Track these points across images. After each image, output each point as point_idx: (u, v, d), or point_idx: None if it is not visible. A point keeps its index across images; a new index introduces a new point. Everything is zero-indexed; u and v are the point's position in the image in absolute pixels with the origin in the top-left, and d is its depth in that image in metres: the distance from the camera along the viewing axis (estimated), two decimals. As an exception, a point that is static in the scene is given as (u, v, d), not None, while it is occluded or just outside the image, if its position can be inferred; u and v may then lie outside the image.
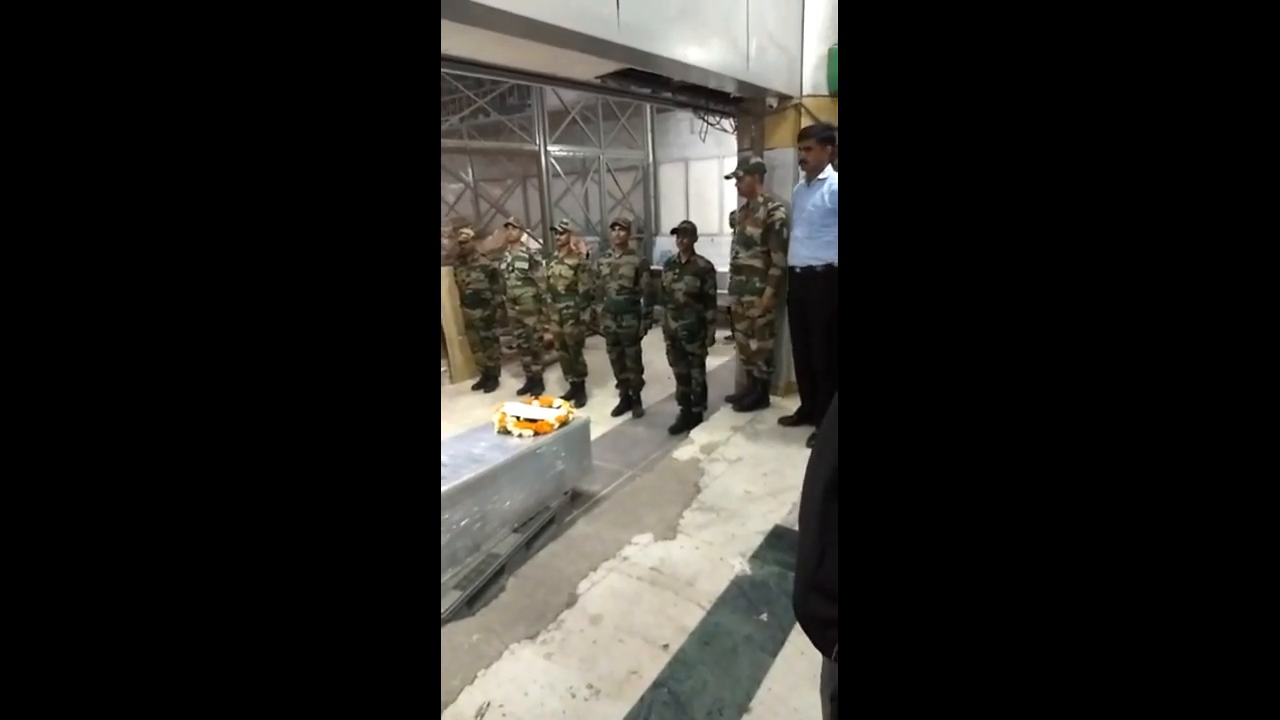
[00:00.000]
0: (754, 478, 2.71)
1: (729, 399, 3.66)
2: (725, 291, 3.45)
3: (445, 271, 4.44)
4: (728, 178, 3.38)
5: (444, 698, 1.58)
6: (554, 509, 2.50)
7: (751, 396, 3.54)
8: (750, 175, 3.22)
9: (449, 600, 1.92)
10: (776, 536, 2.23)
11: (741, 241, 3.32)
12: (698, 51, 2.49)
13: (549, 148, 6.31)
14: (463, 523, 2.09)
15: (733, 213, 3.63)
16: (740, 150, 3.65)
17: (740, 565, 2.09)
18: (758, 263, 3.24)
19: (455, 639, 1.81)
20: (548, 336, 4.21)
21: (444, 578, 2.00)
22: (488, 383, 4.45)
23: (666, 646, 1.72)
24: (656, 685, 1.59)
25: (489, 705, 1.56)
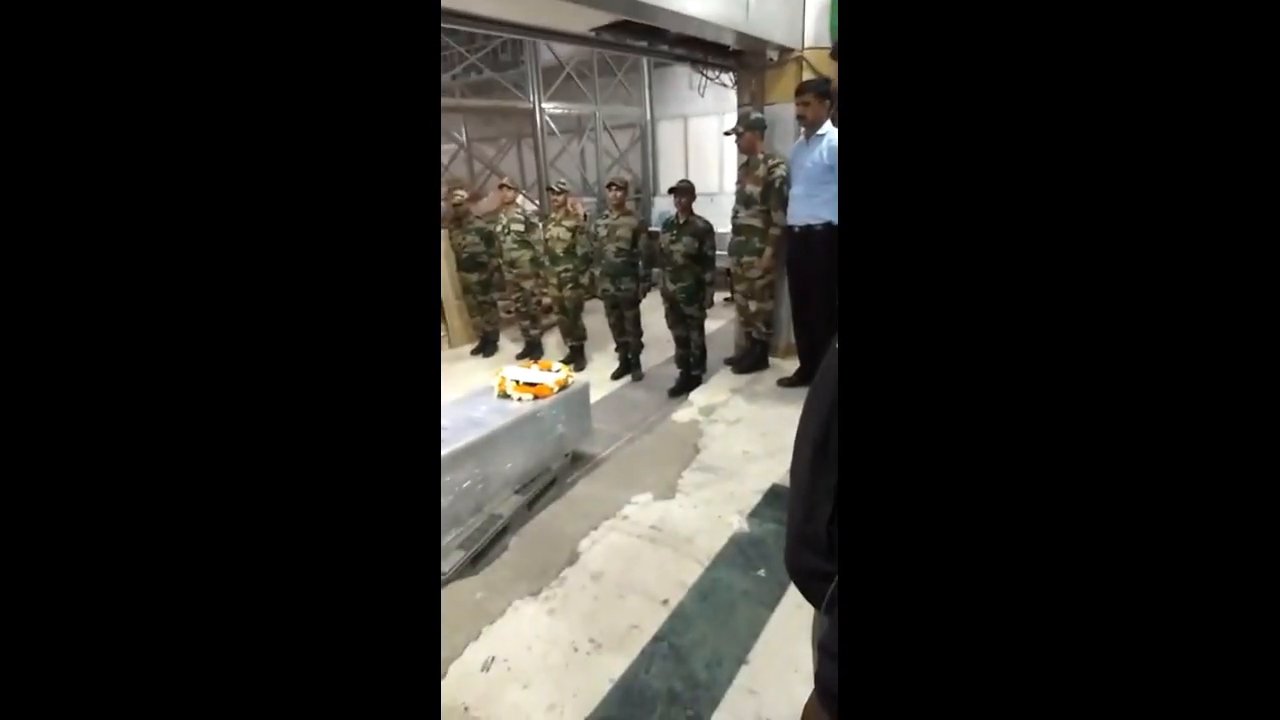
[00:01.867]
0: (753, 438, 2.73)
1: (728, 361, 3.66)
2: (725, 253, 3.41)
3: (441, 235, 4.38)
4: (727, 134, 3.29)
5: (450, 653, 1.63)
6: (555, 471, 2.54)
7: (750, 358, 3.54)
8: (750, 131, 3.13)
9: (453, 560, 1.96)
10: (774, 495, 2.26)
11: (742, 200, 3.26)
12: (696, 2, 2.39)
13: (544, 105, 6.14)
14: (465, 485, 2.12)
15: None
16: (740, 106, 3.54)
17: (738, 523, 2.13)
18: (758, 222, 3.19)
19: (460, 596, 1.86)
20: (546, 300, 4.19)
21: (447, 538, 2.04)
22: (486, 347, 4.45)
23: (666, 602, 1.77)
24: (657, 639, 1.64)
25: (493, 659, 1.61)
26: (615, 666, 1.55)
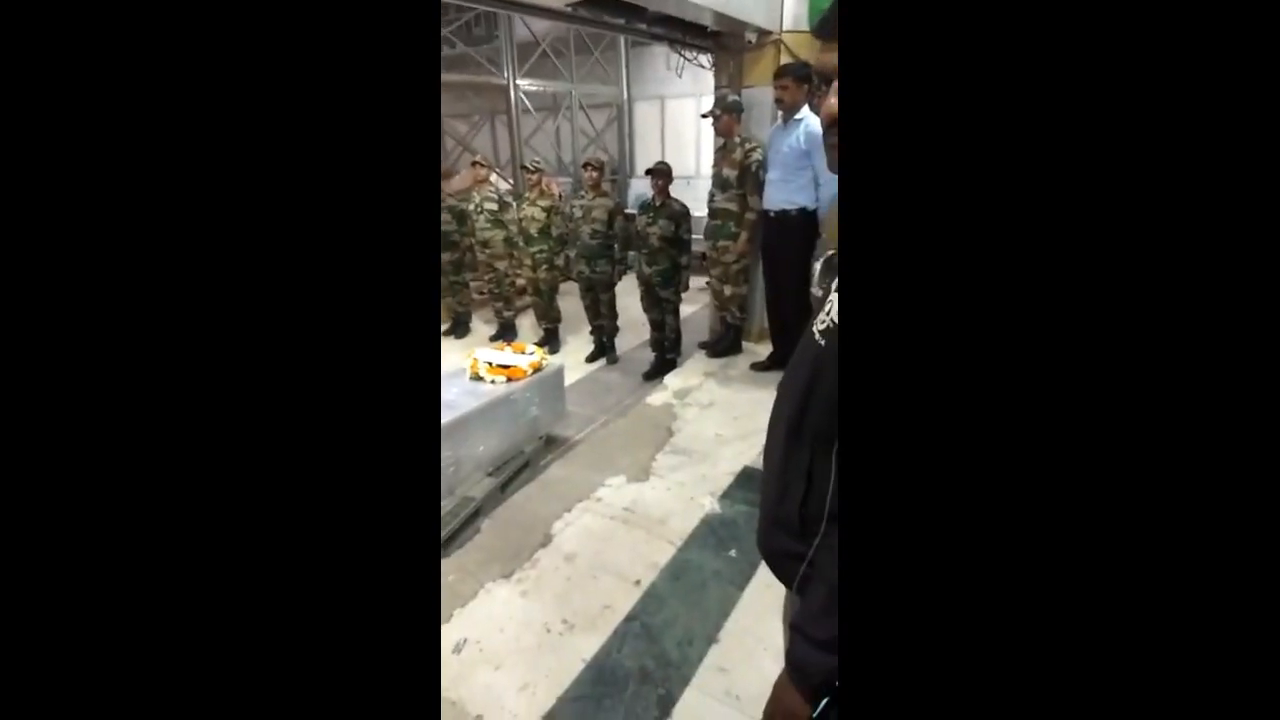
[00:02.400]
0: (725, 421, 2.76)
1: (702, 345, 3.67)
2: (701, 236, 3.41)
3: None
4: (704, 116, 3.27)
5: (422, 634, 1.62)
6: (528, 453, 2.52)
7: (724, 342, 3.56)
8: (727, 114, 3.11)
9: (424, 542, 1.94)
10: (746, 477, 2.29)
11: (718, 184, 3.25)
12: (674, -23, 2.35)
13: (518, 81, 5.99)
14: (436, 468, 2.09)
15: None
16: (718, 88, 3.52)
17: (710, 504, 2.15)
18: (734, 206, 3.19)
19: (431, 579, 1.84)
20: (520, 282, 4.13)
21: (418, 521, 2.02)
22: (458, 328, 4.38)
23: (638, 582, 1.78)
24: (629, 619, 1.65)
25: (465, 641, 1.60)
26: (588, 646, 1.57)
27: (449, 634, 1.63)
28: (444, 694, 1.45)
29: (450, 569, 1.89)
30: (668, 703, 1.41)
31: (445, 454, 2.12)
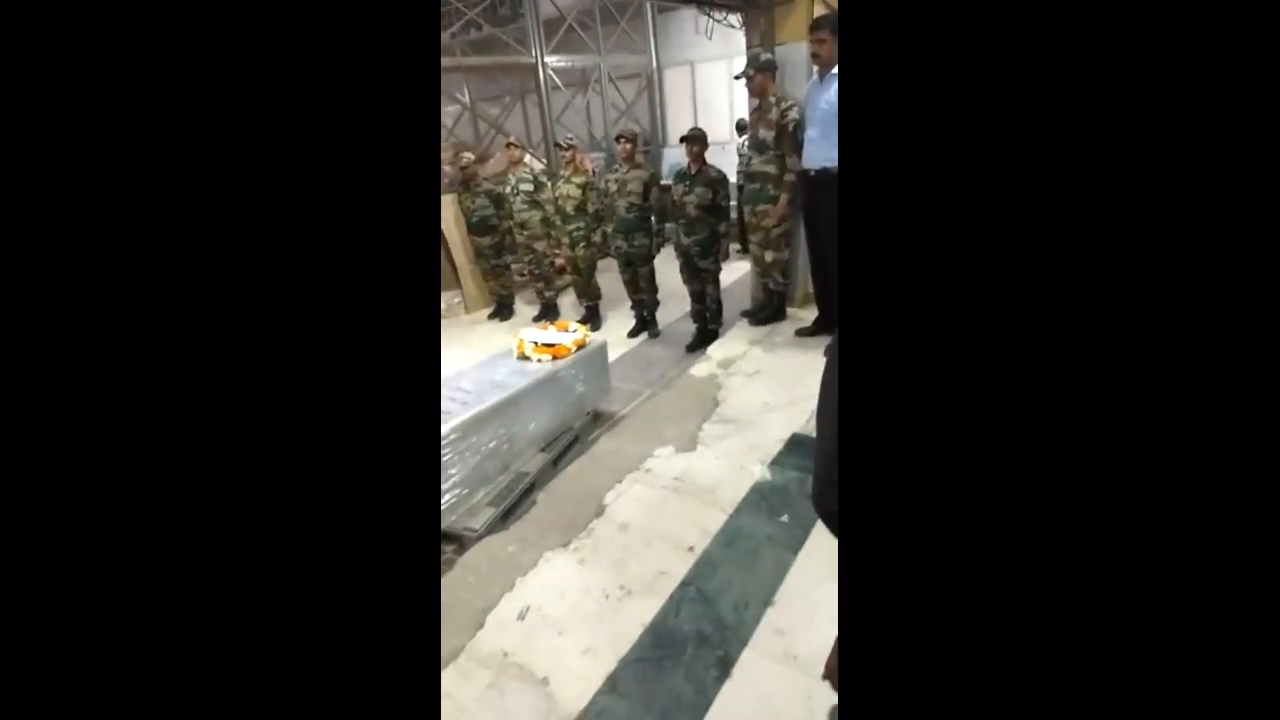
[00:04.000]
0: (772, 389, 2.74)
1: (745, 313, 3.63)
2: (737, 203, 3.34)
3: (449, 199, 4.35)
4: (737, 78, 3.17)
5: (486, 604, 1.70)
6: (577, 429, 2.57)
7: (767, 310, 3.51)
8: (761, 73, 3.01)
9: (484, 516, 2.02)
10: (795, 443, 2.28)
11: (754, 146, 3.16)
12: (699, -68, 2.27)
13: (546, 59, 5.95)
14: (490, 445, 2.16)
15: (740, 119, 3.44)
16: (749, 47, 3.39)
17: (760, 472, 2.15)
18: (772, 168, 3.10)
19: (493, 550, 1.92)
20: (559, 261, 4.16)
21: (477, 496, 2.10)
22: (502, 311, 4.46)
23: (692, 549, 1.81)
24: (684, 584, 1.69)
25: (529, 608, 1.67)
26: (645, 611, 1.61)
27: (512, 602, 1.70)
28: (510, 658, 1.52)
29: (510, 540, 1.97)
30: (726, 663, 1.44)
31: (498, 431, 2.19)
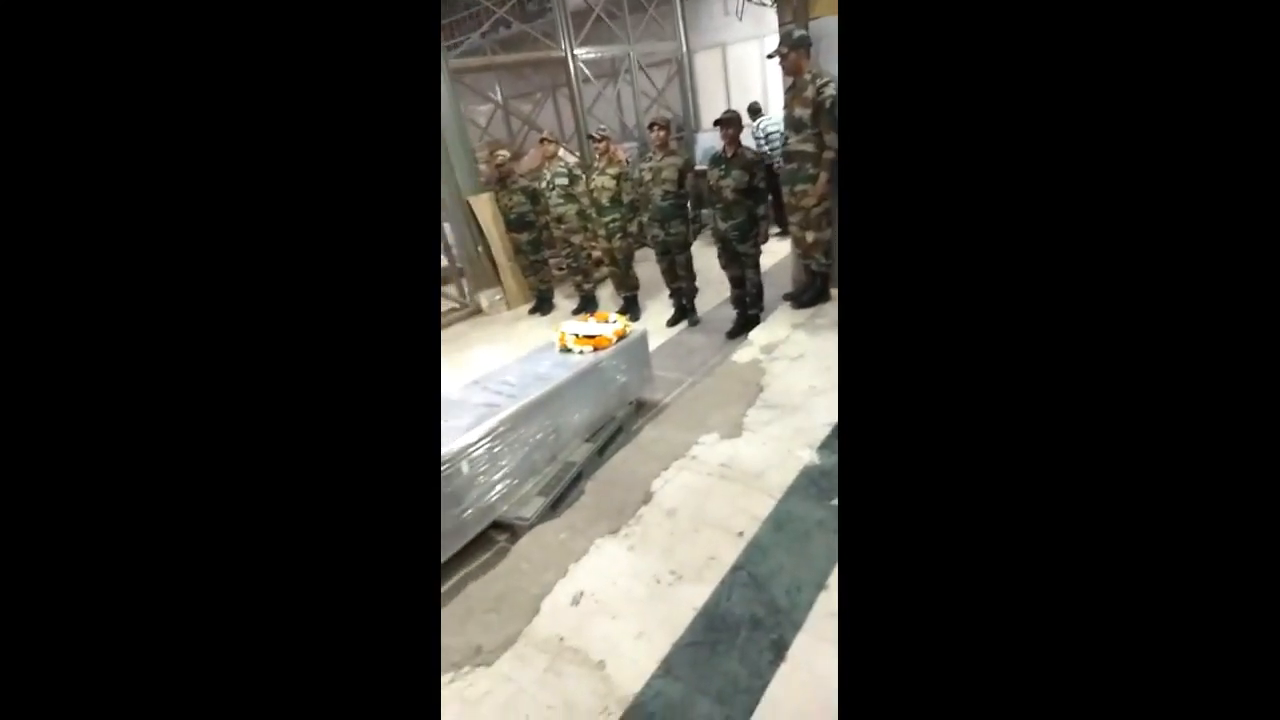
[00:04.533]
0: (817, 372, 2.69)
1: (786, 297, 3.57)
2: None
3: (486, 198, 4.42)
4: (770, 57, 3.11)
5: (541, 590, 1.74)
6: (621, 418, 2.59)
7: (810, 292, 3.44)
8: (795, 51, 2.94)
9: (534, 506, 2.07)
10: (844, 427, 2.24)
11: (791, 125, 3.10)
12: (727, -92, 2.22)
13: (575, 51, 5.95)
14: (537, 436, 2.20)
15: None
16: (781, 25, 3.31)
17: (809, 456, 2.12)
18: (809, 147, 3.03)
19: (545, 538, 1.96)
20: (596, 254, 4.18)
21: (527, 486, 2.14)
22: (543, 305, 4.52)
23: (741, 534, 1.81)
24: (735, 568, 1.69)
25: (582, 594, 1.71)
26: (697, 596, 1.62)
27: (566, 587, 1.74)
28: (566, 643, 1.56)
29: (561, 528, 2.00)
30: (781, 647, 1.43)
31: (544, 423, 2.23)
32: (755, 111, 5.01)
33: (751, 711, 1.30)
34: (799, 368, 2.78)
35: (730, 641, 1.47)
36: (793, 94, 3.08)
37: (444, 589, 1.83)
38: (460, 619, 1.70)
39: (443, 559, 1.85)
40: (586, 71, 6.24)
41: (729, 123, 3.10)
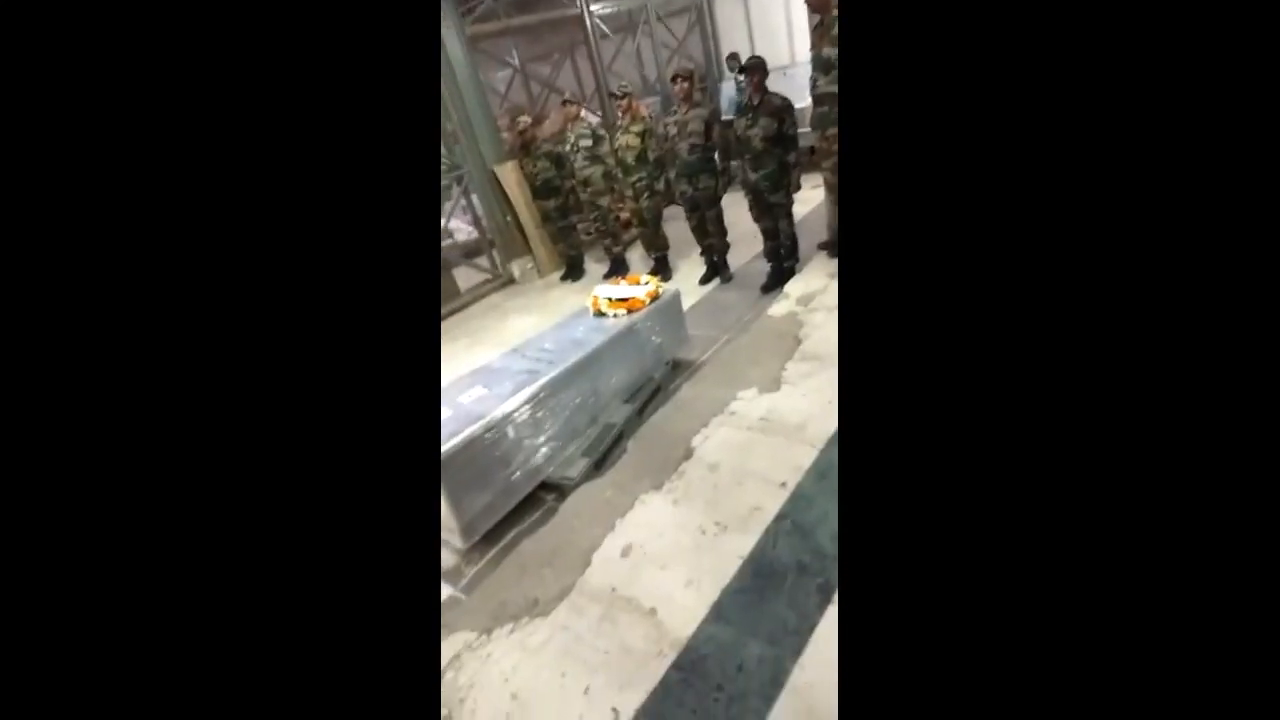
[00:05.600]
0: (856, 322, 2.64)
1: (822, 246, 3.48)
2: (806, 130, 3.16)
3: (511, 166, 4.40)
4: (794, -8, 2.95)
5: (590, 544, 1.81)
6: (658, 378, 2.61)
7: (845, 240, 3.34)
8: (821, -18, 2.78)
9: (579, 466, 2.12)
10: (885, 375, 2.20)
11: (820, 66, 2.96)
12: None
13: (591, 7, 5.78)
14: (577, 400, 2.25)
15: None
16: (806, -45, 3.13)
17: (849, 406, 2.11)
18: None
19: (591, 496, 2.03)
20: (624, 215, 4.14)
21: (570, 448, 2.20)
22: (573, 271, 4.53)
23: (784, 484, 1.83)
24: (779, 518, 1.71)
25: (630, 547, 1.76)
26: (743, 545, 1.65)
27: (615, 541, 1.80)
28: (619, 593, 1.62)
29: (606, 486, 2.06)
30: (828, 590, 1.46)
31: (583, 386, 2.27)
32: (734, 65, 4.87)
33: (801, 651, 1.34)
34: (838, 318, 2.73)
35: (778, 587, 1.51)
36: (820, 33, 2.93)
37: (499, 546, 1.92)
38: (516, 574, 1.78)
39: (495, 519, 1.93)
40: (604, 27, 6.07)
41: (755, 69, 2.98)
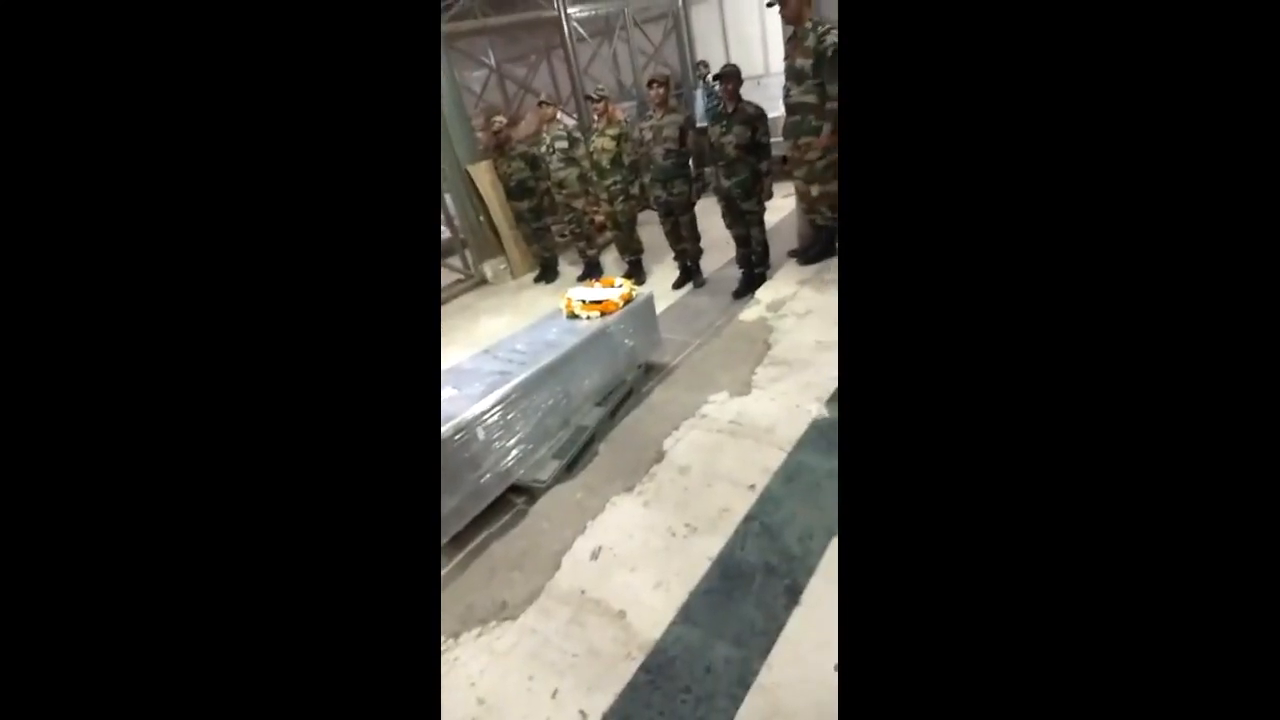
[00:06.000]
0: (825, 327, 2.69)
1: (792, 253, 3.54)
2: (779, 139, 3.21)
3: (485, 165, 4.37)
4: (770, 5, 3.00)
5: (561, 547, 1.80)
6: (630, 381, 2.62)
7: (816, 247, 3.41)
8: (795, -4, 2.84)
9: (550, 469, 2.12)
10: (852, 381, 2.25)
11: (792, 76, 3.01)
12: None
13: (569, 10, 5.78)
14: (549, 402, 2.24)
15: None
16: (780, -32, 3.19)
17: (817, 409, 2.15)
18: (812, 98, 2.96)
19: (562, 498, 2.02)
20: (599, 218, 4.14)
21: (541, 450, 2.19)
22: (547, 273, 4.51)
23: (753, 486, 1.85)
24: (748, 519, 1.73)
25: (600, 549, 1.76)
26: (711, 546, 1.67)
27: (585, 543, 1.80)
28: (588, 595, 1.62)
29: (577, 488, 2.06)
30: (795, 591, 1.48)
31: (555, 388, 2.26)
32: (705, 69, 4.98)
33: (768, 652, 1.36)
34: (806, 324, 2.78)
35: (745, 588, 1.53)
36: (793, 44, 2.99)
37: (467, 550, 1.89)
38: (485, 577, 1.77)
39: (464, 522, 1.91)
40: (581, 30, 6.06)
41: (729, 77, 3.03)
